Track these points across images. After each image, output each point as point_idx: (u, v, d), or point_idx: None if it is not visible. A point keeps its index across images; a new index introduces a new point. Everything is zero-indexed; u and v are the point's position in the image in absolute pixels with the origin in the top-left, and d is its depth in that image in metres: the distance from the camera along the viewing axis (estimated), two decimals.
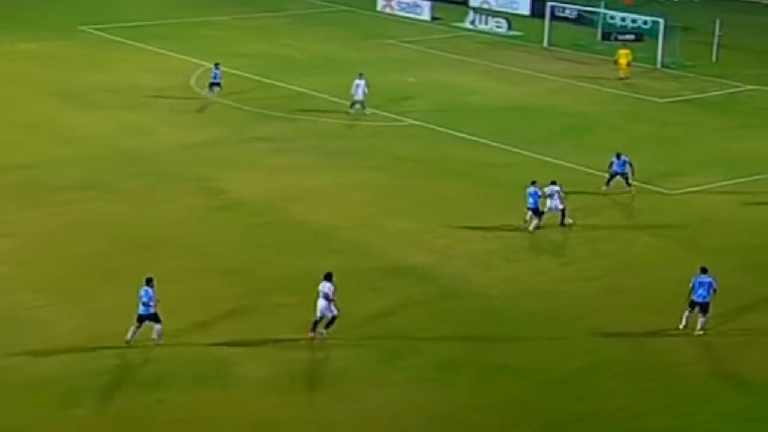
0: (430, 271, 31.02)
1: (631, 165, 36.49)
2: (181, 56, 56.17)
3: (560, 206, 34.02)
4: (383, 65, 56.23)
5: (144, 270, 27.14)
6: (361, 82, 45.94)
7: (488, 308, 28.91)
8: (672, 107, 49.75)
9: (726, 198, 37.54)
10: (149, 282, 26.21)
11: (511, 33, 65.28)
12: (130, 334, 26.07)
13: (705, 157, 41.31)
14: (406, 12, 70.40)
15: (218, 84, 47.70)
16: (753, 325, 28.01)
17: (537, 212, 33.88)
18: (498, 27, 66.29)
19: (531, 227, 33.81)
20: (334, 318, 26.66)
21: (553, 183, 34.28)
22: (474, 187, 38.14)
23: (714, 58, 58.05)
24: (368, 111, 45.95)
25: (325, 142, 42.87)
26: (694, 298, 27.29)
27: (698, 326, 27.37)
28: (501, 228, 34.26)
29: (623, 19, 62.57)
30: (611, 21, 63.17)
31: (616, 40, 59.21)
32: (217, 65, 47.86)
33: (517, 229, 34.09)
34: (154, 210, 34.96)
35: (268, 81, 52.19)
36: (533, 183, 34.06)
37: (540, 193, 33.90)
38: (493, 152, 42.23)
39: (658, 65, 56.59)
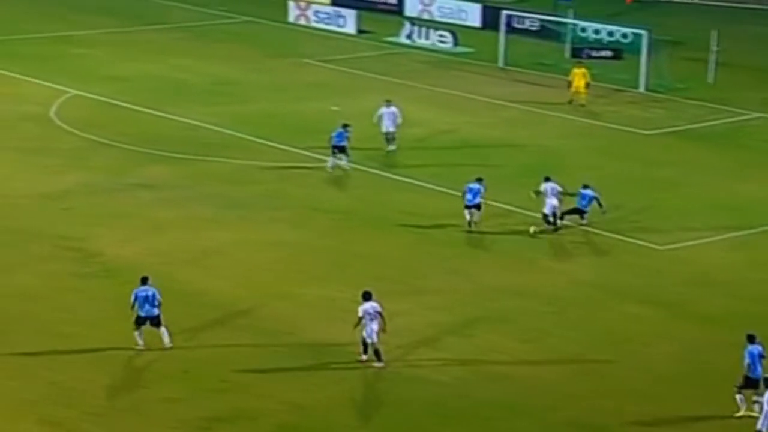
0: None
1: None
2: (40, 81, 55.63)
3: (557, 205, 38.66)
4: (297, 90, 56.09)
5: None
6: (391, 111, 46.78)
7: (437, 398, 28.68)
8: (661, 141, 50.16)
9: (730, 255, 37.69)
10: (146, 281, 30.40)
11: (459, 50, 65.64)
12: (140, 341, 30.14)
13: (703, 204, 41.60)
14: (326, 24, 70.55)
15: (344, 148, 44.90)
16: None
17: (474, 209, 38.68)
18: (442, 42, 66.62)
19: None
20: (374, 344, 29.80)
21: (548, 179, 39.06)
22: (413, 245, 38.05)
23: (711, 79, 58.74)
24: (393, 147, 47.09)
25: (224, 189, 42.59)
26: (752, 375, 27.50)
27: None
28: (448, 293, 34.13)
29: (597, 32, 63.17)
30: (582, 34, 63.76)
31: (589, 57, 59.67)
32: (345, 127, 45.19)
33: (468, 296, 33.94)
34: (1, 279, 34.48)
35: (150, 111, 51.79)
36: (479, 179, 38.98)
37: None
38: (437, 199, 42.19)
39: (642, 88, 57.17)
